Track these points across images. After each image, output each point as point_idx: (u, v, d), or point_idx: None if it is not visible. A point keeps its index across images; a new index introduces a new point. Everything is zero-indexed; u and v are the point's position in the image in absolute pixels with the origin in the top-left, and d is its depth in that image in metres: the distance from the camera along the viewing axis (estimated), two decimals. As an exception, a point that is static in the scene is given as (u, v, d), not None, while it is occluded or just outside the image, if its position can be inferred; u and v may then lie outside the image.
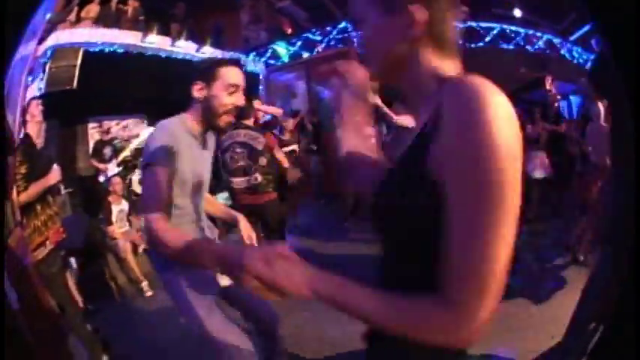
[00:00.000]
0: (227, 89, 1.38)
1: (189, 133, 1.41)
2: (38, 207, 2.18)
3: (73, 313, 2.28)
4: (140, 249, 3.95)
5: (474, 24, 6.25)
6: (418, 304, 0.57)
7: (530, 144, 4.61)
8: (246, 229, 1.54)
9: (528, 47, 6.13)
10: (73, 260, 3.47)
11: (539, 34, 6.10)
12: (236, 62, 1.44)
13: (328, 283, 0.60)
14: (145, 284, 3.57)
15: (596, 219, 3.09)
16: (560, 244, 3.51)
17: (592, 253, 3.07)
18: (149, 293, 3.52)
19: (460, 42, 0.70)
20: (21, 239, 2.12)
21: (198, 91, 1.38)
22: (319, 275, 0.61)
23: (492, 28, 6.13)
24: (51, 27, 3.89)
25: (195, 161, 1.42)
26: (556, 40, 6.04)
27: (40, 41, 3.87)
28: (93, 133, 5.22)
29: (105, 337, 2.55)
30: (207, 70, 1.39)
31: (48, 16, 3.82)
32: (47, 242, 2.17)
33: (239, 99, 1.41)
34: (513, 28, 6.09)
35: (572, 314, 1.90)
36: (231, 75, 1.39)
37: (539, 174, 4.56)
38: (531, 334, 2.31)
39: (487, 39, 6.28)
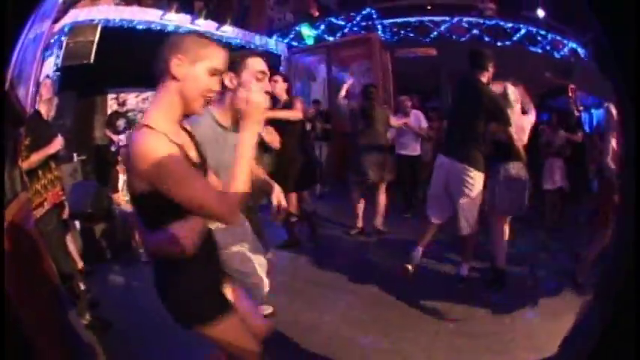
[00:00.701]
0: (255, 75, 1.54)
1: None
2: (40, 172, 2.39)
3: (67, 270, 2.47)
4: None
5: (501, 22, 6.11)
6: None
7: (547, 150, 4.48)
8: (277, 196, 1.63)
9: (555, 53, 5.95)
10: (77, 223, 3.73)
11: (565, 41, 5.90)
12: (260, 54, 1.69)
13: None
14: (142, 251, 3.75)
15: (600, 242, 2.94)
16: (560, 261, 3.34)
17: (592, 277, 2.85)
18: (144, 259, 3.70)
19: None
20: (25, 203, 2.34)
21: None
22: None
23: (519, 29, 5.98)
24: (67, 6, 3.97)
25: None
26: (581, 51, 5.83)
27: (56, 20, 3.96)
28: (112, 104, 5.42)
29: (94, 297, 2.75)
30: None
31: (61, -1, 3.88)
32: (45, 203, 2.38)
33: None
34: (541, 32, 5.91)
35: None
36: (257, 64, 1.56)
37: (549, 185, 4.45)
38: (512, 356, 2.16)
39: (514, 38, 6.14)
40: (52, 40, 4.28)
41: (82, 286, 2.77)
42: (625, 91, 0.90)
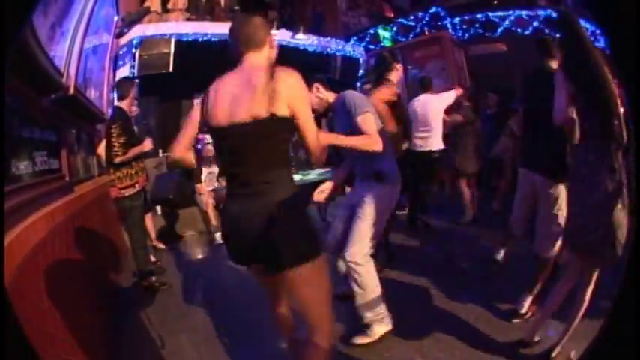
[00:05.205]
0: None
1: None
2: (133, 162, 3.01)
3: (141, 241, 3.04)
4: (221, 206, 4.63)
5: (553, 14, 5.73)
6: None
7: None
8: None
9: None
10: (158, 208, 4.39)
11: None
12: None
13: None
14: (217, 235, 4.22)
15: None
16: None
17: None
18: (219, 242, 4.15)
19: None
20: (102, 184, 3.12)
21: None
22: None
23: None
24: (129, 22, 4.20)
25: None
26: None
27: (120, 35, 4.22)
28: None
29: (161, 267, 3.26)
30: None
31: (116, 18, 4.16)
32: (137, 185, 3.01)
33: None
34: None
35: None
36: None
37: None
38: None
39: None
40: (122, 52, 4.69)
41: (153, 258, 3.45)
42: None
